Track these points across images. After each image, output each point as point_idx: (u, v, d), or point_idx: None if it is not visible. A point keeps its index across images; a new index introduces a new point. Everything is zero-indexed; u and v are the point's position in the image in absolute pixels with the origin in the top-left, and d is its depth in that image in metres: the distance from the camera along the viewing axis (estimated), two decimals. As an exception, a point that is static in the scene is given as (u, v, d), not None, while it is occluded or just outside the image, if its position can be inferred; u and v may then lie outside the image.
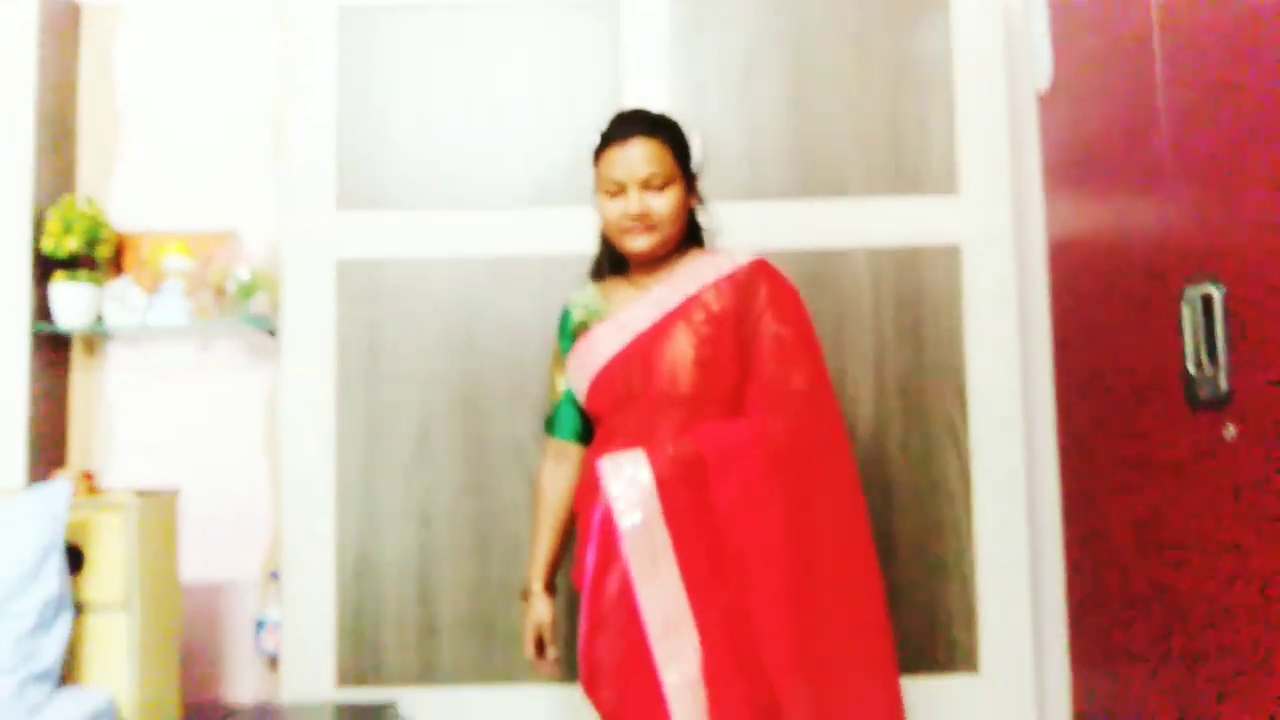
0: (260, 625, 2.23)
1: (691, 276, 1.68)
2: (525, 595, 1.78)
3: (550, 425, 1.82)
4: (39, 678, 1.68)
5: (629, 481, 1.56)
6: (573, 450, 1.78)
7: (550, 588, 1.77)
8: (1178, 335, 1.54)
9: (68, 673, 1.78)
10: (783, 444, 1.59)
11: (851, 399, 2.21)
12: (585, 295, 1.78)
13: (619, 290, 1.74)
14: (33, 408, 2.13)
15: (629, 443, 1.61)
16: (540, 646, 1.77)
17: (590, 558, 1.60)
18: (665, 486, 1.56)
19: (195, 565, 2.25)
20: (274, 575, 2.23)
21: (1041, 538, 2.24)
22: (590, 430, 1.77)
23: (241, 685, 2.28)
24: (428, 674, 2.16)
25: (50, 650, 1.70)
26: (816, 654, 1.55)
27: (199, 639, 2.26)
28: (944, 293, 2.23)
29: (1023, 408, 2.20)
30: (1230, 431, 1.42)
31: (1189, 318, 1.52)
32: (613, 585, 1.57)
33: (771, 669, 1.52)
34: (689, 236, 1.74)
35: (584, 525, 1.67)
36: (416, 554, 2.18)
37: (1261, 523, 1.36)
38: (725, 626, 1.52)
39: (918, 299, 2.24)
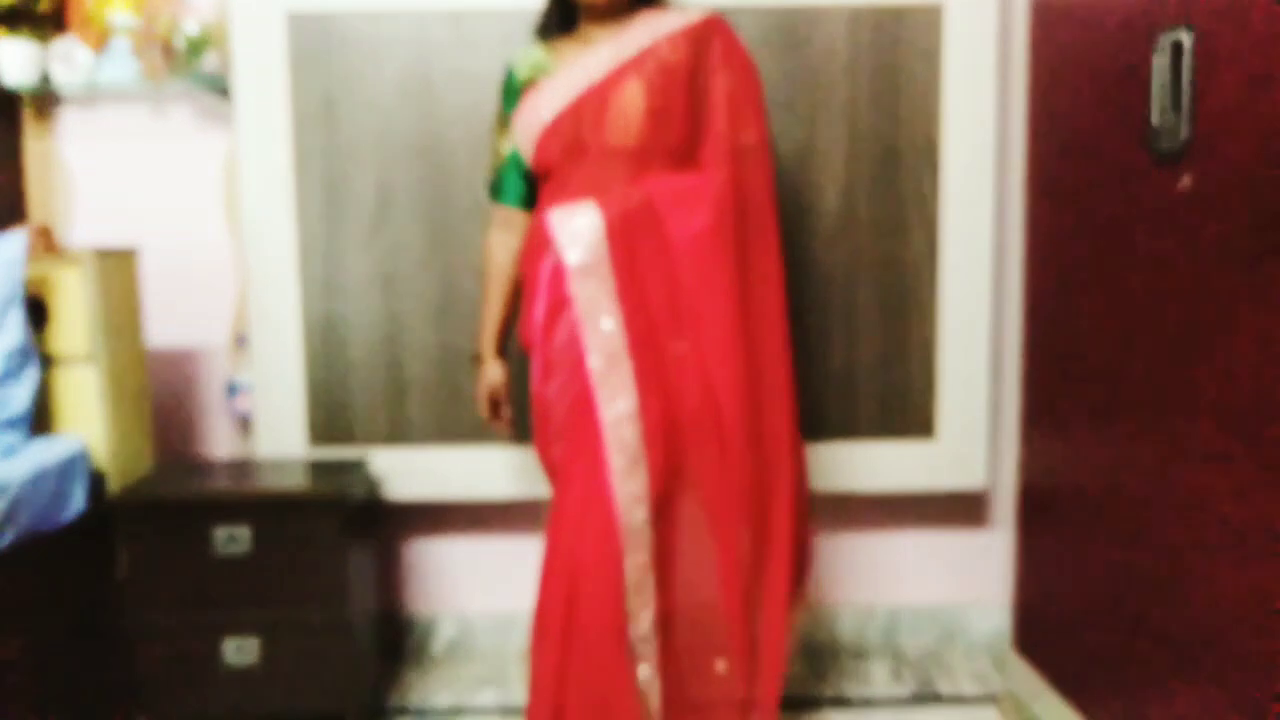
0: (232, 389, 2.27)
1: (645, 30, 1.65)
2: (477, 361, 1.85)
3: (494, 191, 1.81)
4: (10, 424, 1.72)
5: (579, 229, 1.58)
6: (517, 217, 1.79)
7: (501, 352, 1.84)
8: (1148, 87, 1.48)
9: (41, 425, 1.83)
10: (731, 196, 1.61)
11: (821, 165, 2.16)
12: (531, 53, 1.74)
13: (567, 47, 1.70)
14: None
15: (578, 195, 1.62)
16: (495, 409, 1.86)
17: (539, 310, 1.64)
18: (615, 231, 1.58)
19: (165, 331, 2.26)
20: (241, 340, 2.25)
21: (1004, 307, 2.24)
22: (534, 196, 1.76)
23: (217, 446, 2.34)
24: (396, 434, 2.21)
25: (20, 398, 1.73)
26: (752, 400, 1.63)
27: (172, 403, 2.31)
28: (922, 57, 2.13)
29: (995, 181, 2.16)
30: (1185, 181, 1.38)
31: (1158, 66, 1.45)
32: (561, 333, 1.62)
33: (724, 409, 1.60)
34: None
35: (531, 280, 1.69)
36: (382, 317, 2.19)
37: (1213, 279, 1.35)
38: (659, 370, 1.59)
39: (894, 64, 2.14)
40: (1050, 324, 1.88)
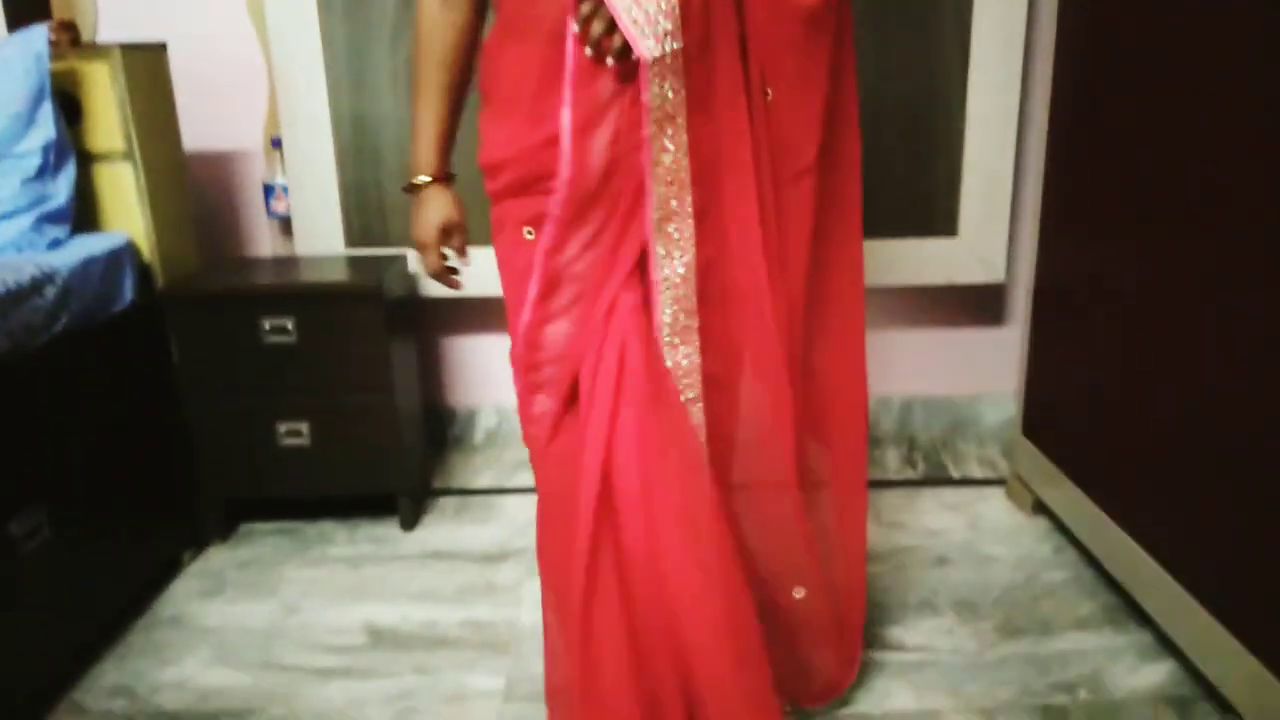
0: (268, 190, 2.27)
1: None
2: (413, 189, 1.27)
3: None
4: (53, 217, 1.73)
5: (648, 3, 1.05)
6: None
7: (449, 175, 1.28)
8: None
9: (85, 224, 1.84)
10: None
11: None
12: None
13: None
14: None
15: None
16: (441, 257, 1.29)
17: (566, 118, 1.11)
18: (694, 4, 1.08)
19: (201, 134, 2.24)
20: (276, 142, 2.23)
21: (1031, 104, 2.17)
22: None
23: (257, 247, 2.37)
24: (429, 232, 2.22)
25: (60, 192, 1.74)
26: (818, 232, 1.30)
27: (212, 205, 2.32)
28: None
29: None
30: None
31: None
32: (597, 157, 1.12)
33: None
34: None
35: (519, 73, 1.15)
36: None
37: (1253, 73, 1.29)
38: (743, 202, 1.20)
39: None
40: (1076, 121, 1.81)
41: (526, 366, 1.25)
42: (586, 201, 1.14)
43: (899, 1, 2.08)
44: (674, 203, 1.16)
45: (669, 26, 1.06)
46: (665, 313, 1.20)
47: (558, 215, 1.15)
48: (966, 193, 2.21)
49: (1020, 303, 2.32)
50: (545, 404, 1.25)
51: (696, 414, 1.24)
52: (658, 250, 1.17)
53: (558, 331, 1.21)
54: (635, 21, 1.05)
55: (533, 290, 1.20)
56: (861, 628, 1.50)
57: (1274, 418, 1.27)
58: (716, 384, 1.26)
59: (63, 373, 1.60)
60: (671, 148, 1.13)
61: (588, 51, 1.07)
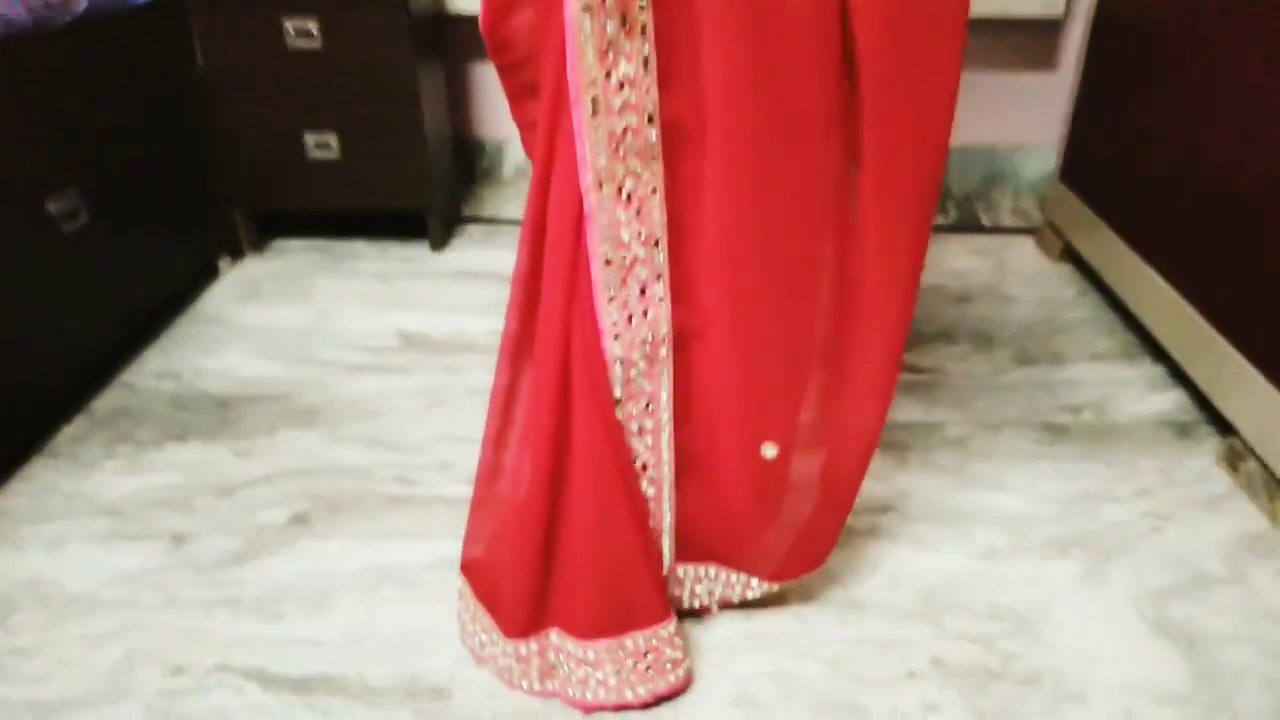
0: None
1: None
2: None
3: None
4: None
5: None
6: None
7: None
8: None
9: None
10: None
11: None
12: None
13: None
14: None
15: None
16: None
17: None
18: None
19: None
20: None
21: None
22: None
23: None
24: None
25: None
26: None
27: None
28: None
29: None
30: None
31: None
32: None
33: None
34: None
35: None
36: None
37: None
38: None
39: None
40: None
41: (504, 68, 0.99)
42: None
43: None
44: None
45: None
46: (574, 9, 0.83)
47: None
48: (1033, -83, 2.02)
49: (1074, 45, 2.17)
50: (535, 111, 0.98)
51: (646, 179, 0.91)
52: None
53: (523, 19, 0.94)
54: None
55: None
56: (848, 509, 1.11)
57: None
58: (682, 136, 0.91)
59: (86, 58, 1.55)
60: None
61: None
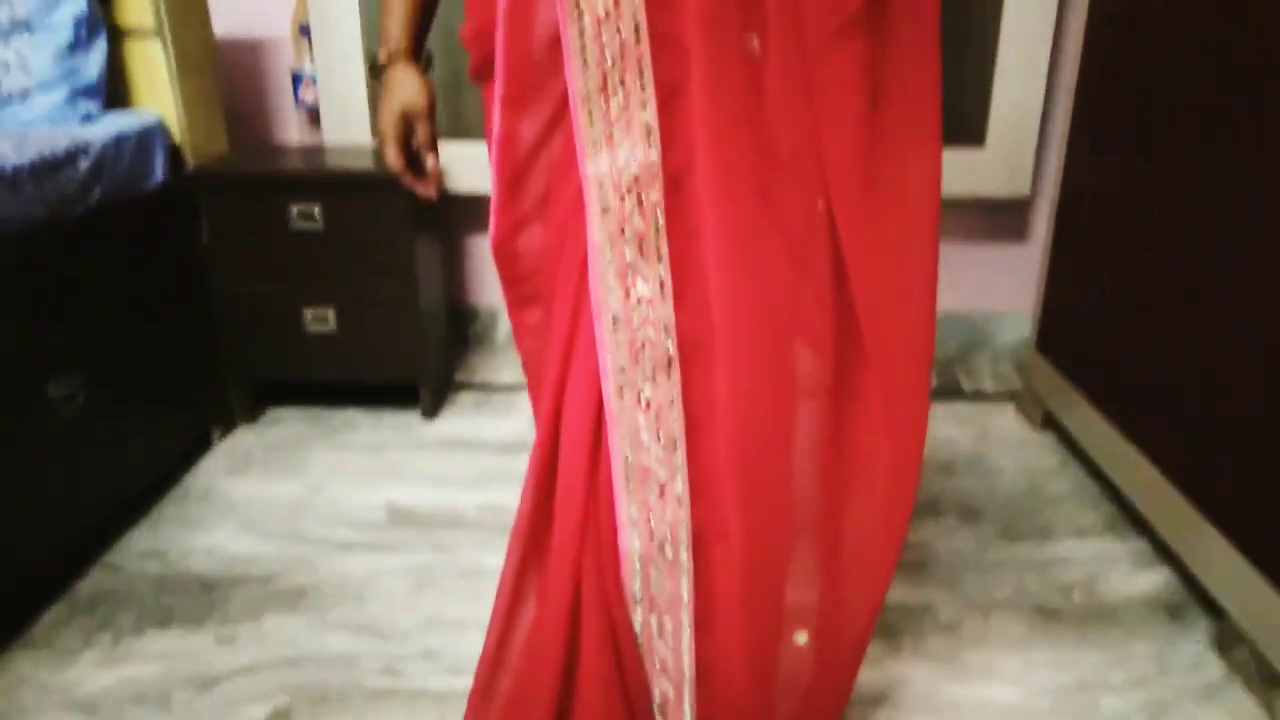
0: (296, 79, 2.24)
1: None
2: (376, 69, 1.08)
3: None
4: (86, 92, 1.71)
5: None
6: None
7: (415, 53, 1.09)
8: None
9: (117, 101, 1.82)
10: None
11: None
12: None
13: None
14: None
15: None
16: (408, 150, 1.07)
17: None
18: None
19: (229, 20, 2.20)
20: (304, 29, 2.19)
21: (1068, 17, 2.09)
22: None
23: (285, 135, 2.35)
24: (456, 128, 2.19)
25: (92, 67, 1.72)
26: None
27: (240, 93, 2.29)
28: None
29: None
30: None
31: None
32: (546, 10, 0.89)
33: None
34: None
35: None
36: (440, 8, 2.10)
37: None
38: (725, 81, 0.88)
39: None
40: (1113, 36, 1.74)
41: (508, 281, 1.04)
42: (535, 72, 0.92)
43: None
44: (611, 61, 0.86)
45: None
46: (599, 235, 0.89)
47: (501, 93, 0.93)
48: (997, 103, 2.14)
49: (1043, 219, 2.27)
50: (537, 315, 1.04)
51: (664, 387, 0.93)
52: (584, 135, 0.88)
53: (533, 240, 1.00)
54: None
55: (494, 190, 0.99)
56: (858, 666, 1.12)
57: (1275, 343, 1.25)
58: (694, 347, 0.94)
59: (98, 244, 1.60)
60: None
61: None
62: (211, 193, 1.89)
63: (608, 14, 0.85)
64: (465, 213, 2.36)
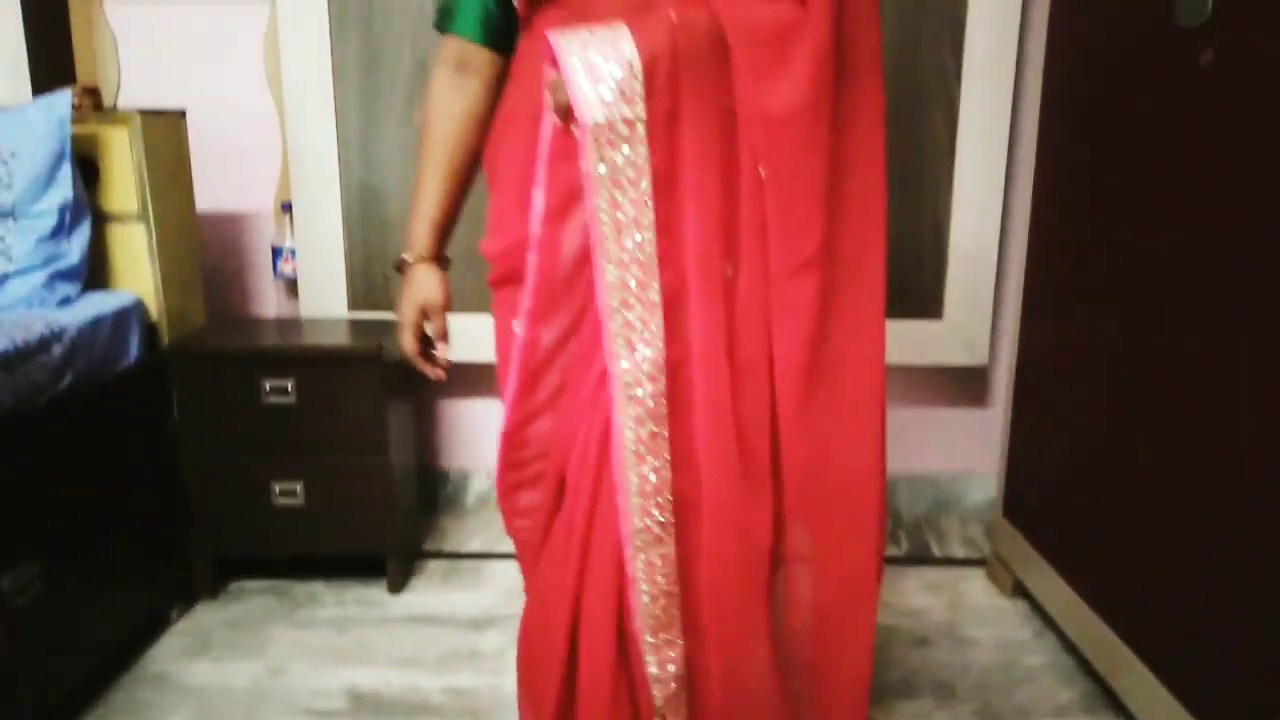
0: (277, 253, 2.29)
1: None
2: (401, 266, 1.22)
3: (445, 17, 1.18)
4: (66, 275, 1.74)
5: (605, 64, 0.96)
6: (479, 56, 1.17)
7: (440, 258, 1.23)
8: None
9: (97, 280, 1.85)
10: (832, 47, 1.01)
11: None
12: None
13: None
14: (31, 28, 2.05)
15: (597, 18, 1.02)
16: (424, 340, 1.24)
17: (538, 200, 1.04)
18: (661, 72, 0.97)
19: (214, 196, 2.26)
20: (286, 206, 2.25)
21: (1015, 188, 2.20)
22: (508, 32, 1.17)
23: (263, 308, 2.38)
24: (430, 299, 2.23)
25: (74, 251, 1.75)
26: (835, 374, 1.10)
27: (221, 266, 2.33)
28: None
29: (1015, 54, 2.11)
30: (1207, 57, 1.33)
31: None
32: (572, 239, 1.04)
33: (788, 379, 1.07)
34: None
35: (510, 157, 1.12)
36: (416, 188, 2.18)
37: (1229, 153, 1.31)
38: (709, 296, 1.03)
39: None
40: (1060, 207, 1.84)
41: (510, 465, 1.18)
42: (560, 290, 1.06)
43: (888, 89, 2.12)
44: (633, 283, 1.01)
45: (609, 97, 0.96)
46: (625, 417, 1.04)
47: (529, 307, 1.07)
48: (952, 277, 2.23)
49: (1002, 385, 2.33)
50: (533, 498, 1.18)
51: (667, 548, 1.09)
52: (612, 340, 1.03)
53: (542, 429, 1.13)
54: (580, 86, 0.96)
55: (512, 386, 1.12)
56: None
57: (1255, 510, 1.27)
58: (690, 506, 1.08)
59: (64, 430, 1.59)
60: (640, 223, 1.00)
61: (555, 119, 1.01)
62: (184, 369, 1.90)
63: (636, 245, 1.02)
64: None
